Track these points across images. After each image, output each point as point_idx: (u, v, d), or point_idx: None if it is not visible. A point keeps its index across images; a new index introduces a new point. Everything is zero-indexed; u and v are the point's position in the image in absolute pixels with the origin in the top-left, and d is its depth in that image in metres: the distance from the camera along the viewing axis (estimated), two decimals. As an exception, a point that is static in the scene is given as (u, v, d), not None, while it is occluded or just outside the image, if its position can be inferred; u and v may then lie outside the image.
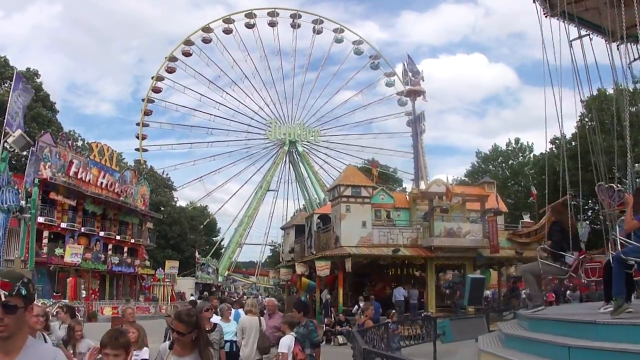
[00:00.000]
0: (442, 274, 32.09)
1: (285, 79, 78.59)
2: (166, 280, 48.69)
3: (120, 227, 45.82)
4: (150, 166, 70.51)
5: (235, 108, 75.61)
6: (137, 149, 70.09)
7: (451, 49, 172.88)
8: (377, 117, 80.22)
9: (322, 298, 27.18)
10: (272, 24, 75.95)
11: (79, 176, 39.50)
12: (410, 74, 36.70)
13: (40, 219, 33.98)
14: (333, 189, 27.69)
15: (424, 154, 40.45)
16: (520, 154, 61.26)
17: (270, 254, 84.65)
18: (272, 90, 77.69)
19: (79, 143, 51.66)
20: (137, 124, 70.66)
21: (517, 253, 25.99)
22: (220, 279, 67.41)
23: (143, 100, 71.28)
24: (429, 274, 25.85)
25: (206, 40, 72.96)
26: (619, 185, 11.36)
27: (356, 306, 23.07)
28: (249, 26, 74.93)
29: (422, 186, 30.35)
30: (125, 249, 45.87)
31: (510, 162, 60.99)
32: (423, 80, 37.92)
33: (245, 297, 37.04)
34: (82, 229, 40.22)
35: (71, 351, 6.12)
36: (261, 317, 9.42)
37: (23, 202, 25.53)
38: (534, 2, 10.97)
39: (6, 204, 23.91)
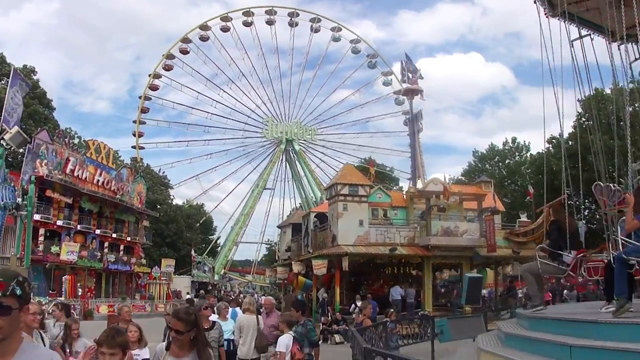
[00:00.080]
0: (439, 273, 32.12)
1: (283, 77, 78.50)
2: (162, 278, 48.50)
3: (117, 225, 45.66)
4: (147, 164, 70.40)
5: (232, 106, 75.41)
6: (133, 147, 69.81)
7: (448, 48, 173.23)
8: (373, 116, 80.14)
9: (319, 297, 27.16)
10: (270, 22, 75.77)
11: (75, 174, 39.34)
12: (408, 73, 36.61)
13: (37, 217, 33.84)
14: (330, 187, 27.66)
15: (421, 152, 40.47)
16: (517, 153, 61.38)
17: (266, 253, 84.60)
18: (269, 88, 77.59)
19: (76, 141, 51.48)
20: (134, 122, 70.32)
21: (514, 252, 26.04)
22: (216, 277, 67.26)
23: (140, 97, 71.00)
24: (426, 273, 25.86)
25: (204, 38, 72.69)
26: (616, 185, 11.37)
27: (353, 305, 23.05)
28: (247, 24, 74.71)
29: (419, 185, 30.34)
30: (122, 247, 45.69)
31: (507, 162, 61.07)
32: (421, 79, 37.88)
33: (241, 295, 36.95)
34: (78, 227, 40.01)
35: (67, 350, 6.06)
36: (259, 316, 9.37)
37: (19, 200, 25.43)
38: (535, 2, 10.95)
39: (2, 201, 23.82)
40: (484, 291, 29.36)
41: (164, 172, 74.05)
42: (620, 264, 6.31)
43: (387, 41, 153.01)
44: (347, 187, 25.55)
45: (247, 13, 74.47)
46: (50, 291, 34.30)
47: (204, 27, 72.73)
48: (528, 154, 59.25)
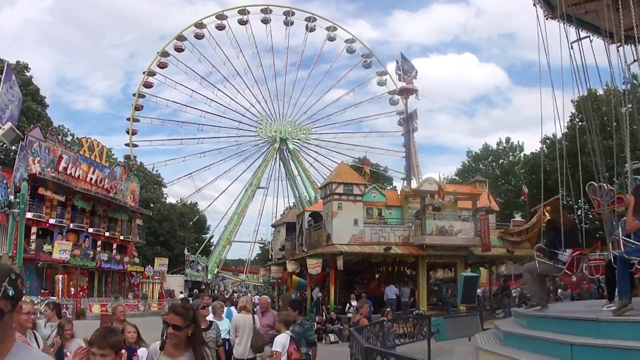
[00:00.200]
0: (433, 272, 32.11)
1: (277, 76, 78.40)
2: (155, 277, 48.35)
3: (110, 223, 45.38)
4: (140, 162, 70.07)
5: (227, 105, 75.25)
6: (127, 144, 69.48)
7: (442, 49, 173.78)
8: (368, 115, 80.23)
9: (313, 296, 27.08)
10: (265, 21, 75.64)
11: (68, 172, 39.04)
12: (404, 72, 36.53)
13: (29, 215, 33.47)
14: (325, 186, 27.60)
15: (415, 152, 40.36)
16: (510, 153, 61.62)
17: (260, 252, 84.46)
18: (263, 87, 77.49)
19: (69, 138, 51.06)
20: (128, 119, 69.99)
21: (509, 251, 26.11)
22: (209, 276, 67.03)
23: (134, 95, 70.67)
24: (420, 272, 25.85)
25: (199, 36, 72.46)
26: (609, 185, 11.42)
27: (348, 304, 23.01)
28: (242, 23, 74.54)
29: (414, 184, 30.33)
30: (115, 246, 45.41)
31: (500, 161, 61.30)
32: (416, 78, 37.80)
33: (235, 294, 36.83)
34: (71, 225, 39.74)
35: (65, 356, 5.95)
36: (255, 315, 9.28)
37: (11, 197, 25.21)
38: (534, 4, 10.94)
39: (-6, 198, 23.60)
40: (478, 290, 29.41)
41: (157, 170, 73.82)
42: (623, 264, 6.33)
43: (381, 41, 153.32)
44: (341, 186, 25.48)
45: (243, 11, 74.31)
46: (42, 290, 34.01)
47: (199, 25, 72.49)
48: (522, 154, 59.48)
